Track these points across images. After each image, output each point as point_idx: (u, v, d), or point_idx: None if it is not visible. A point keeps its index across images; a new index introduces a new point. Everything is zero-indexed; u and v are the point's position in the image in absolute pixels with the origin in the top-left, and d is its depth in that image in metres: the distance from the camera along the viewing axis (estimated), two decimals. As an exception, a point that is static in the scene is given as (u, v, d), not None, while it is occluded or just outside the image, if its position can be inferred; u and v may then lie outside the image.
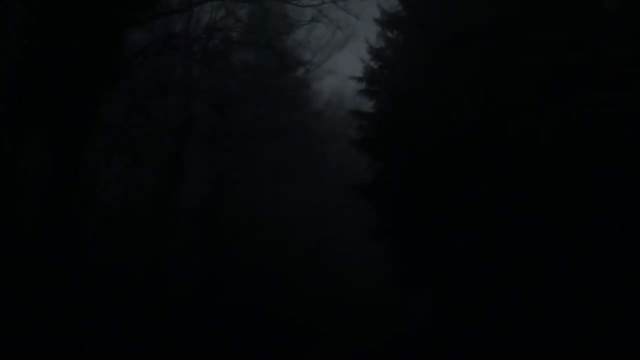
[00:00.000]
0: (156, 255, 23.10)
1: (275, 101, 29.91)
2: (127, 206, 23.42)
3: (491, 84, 13.24)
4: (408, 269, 18.89)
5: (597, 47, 11.93)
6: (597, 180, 11.39)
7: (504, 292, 12.93)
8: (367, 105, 24.34)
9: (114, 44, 15.71)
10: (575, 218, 11.88)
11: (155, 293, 20.05)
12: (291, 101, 31.67)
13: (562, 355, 11.65)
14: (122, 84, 17.01)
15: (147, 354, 15.30)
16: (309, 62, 30.18)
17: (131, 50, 17.30)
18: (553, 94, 12.11)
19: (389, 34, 22.90)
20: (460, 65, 13.99)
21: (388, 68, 22.62)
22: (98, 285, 16.71)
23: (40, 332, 13.45)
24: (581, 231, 11.88)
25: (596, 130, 11.51)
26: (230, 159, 28.52)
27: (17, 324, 13.46)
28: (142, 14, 16.68)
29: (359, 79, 23.91)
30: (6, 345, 13.08)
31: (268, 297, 23.55)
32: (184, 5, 20.05)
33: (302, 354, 19.96)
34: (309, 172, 34.69)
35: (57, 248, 14.66)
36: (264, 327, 20.57)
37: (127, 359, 14.81)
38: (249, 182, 29.96)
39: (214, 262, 25.79)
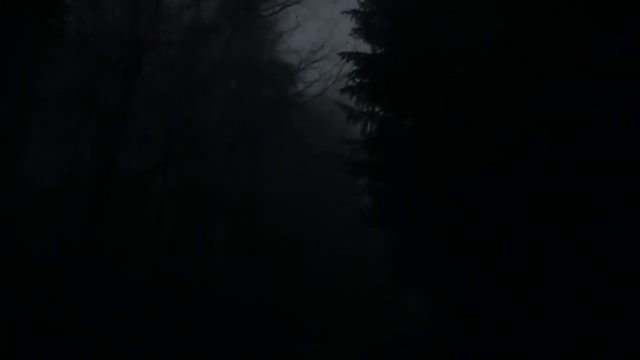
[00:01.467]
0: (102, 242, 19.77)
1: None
2: (65, 180, 19.79)
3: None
4: (408, 269, 18.82)
5: None
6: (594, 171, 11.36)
7: (501, 291, 12.95)
8: (363, 48, 20.14)
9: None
10: (576, 219, 11.88)
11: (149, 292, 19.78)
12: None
13: (561, 354, 11.68)
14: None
15: (146, 354, 15.28)
16: None
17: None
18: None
19: None
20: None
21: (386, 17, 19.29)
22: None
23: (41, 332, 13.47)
24: (581, 231, 11.89)
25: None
26: (188, 114, 23.76)
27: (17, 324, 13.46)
28: None
29: (354, 13, 19.99)
30: (6, 345, 13.07)
31: (267, 297, 23.52)
32: None
33: (302, 354, 19.97)
34: (286, 142, 30.15)
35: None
36: (264, 327, 20.58)
37: (127, 359, 14.80)
38: (210, 150, 24.84)
39: (183, 252, 23.00)
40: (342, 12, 20.02)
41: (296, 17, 27.76)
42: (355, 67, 19.27)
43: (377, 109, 19.32)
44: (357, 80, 18.98)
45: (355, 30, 19.94)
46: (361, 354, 20.21)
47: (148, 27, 21.39)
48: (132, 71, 20.51)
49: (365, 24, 19.72)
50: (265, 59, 29.58)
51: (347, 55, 19.52)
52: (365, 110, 19.57)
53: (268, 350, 18.85)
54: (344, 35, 20.66)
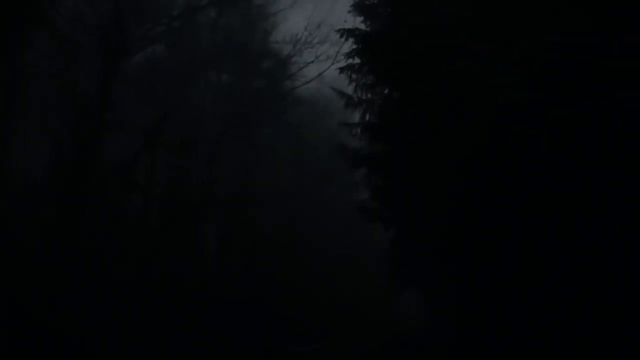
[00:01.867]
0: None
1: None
2: (49, 172, 18.51)
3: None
4: (407, 269, 18.78)
5: None
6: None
7: (501, 291, 12.94)
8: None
9: None
10: (576, 219, 11.87)
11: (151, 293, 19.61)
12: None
13: (561, 354, 11.67)
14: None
15: (143, 354, 15.23)
16: None
17: None
18: None
19: None
20: None
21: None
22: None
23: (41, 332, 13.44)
24: (581, 231, 11.88)
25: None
26: (176, 101, 22.18)
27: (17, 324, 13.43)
28: None
29: None
30: (6, 345, 13.03)
31: (266, 297, 23.46)
32: None
33: (302, 355, 19.96)
34: (282, 134, 29.19)
35: None
36: (263, 327, 20.55)
37: (127, 358, 14.77)
38: (201, 141, 23.59)
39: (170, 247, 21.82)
40: None
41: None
42: (354, 46, 18.39)
43: (376, 97, 18.61)
44: (357, 59, 18.16)
45: (354, 7, 18.87)
46: (361, 354, 20.22)
47: (131, 4, 19.96)
48: (114, 52, 19.08)
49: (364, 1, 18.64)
50: (259, 49, 28.53)
51: (346, 32, 18.49)
52: (364, 97, 18.88)
53: (268, 351, 18.83)
54: (343, 14, 19.49)
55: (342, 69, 18.73)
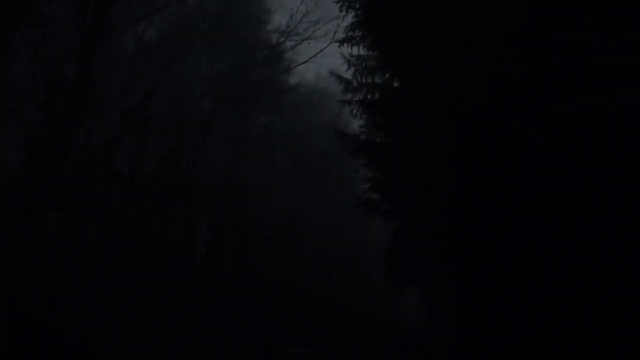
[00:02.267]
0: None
1: None
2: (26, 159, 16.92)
3: None
4: (407, 269, 18.80)
5: None
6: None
7: (501, 291, 12.94)
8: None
9: None
10: (576, 219, 11.86)
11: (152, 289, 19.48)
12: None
13: (561, 354, 11.66)
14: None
15: (147, 354, 15.20)
16: None
17: None
18: None
19: None
20: None
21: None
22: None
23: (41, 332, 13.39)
24: (581, 231, 11.87)
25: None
26: (162, 79, 21.02)
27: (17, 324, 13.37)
28: None
29: None
30: (6, 345, 12.98)
31: (267, 297, 23.46)
32: None
33: (302, 355, 19.95)
34: (279, 126, 28.32)
35: None
36: (263, 327, 20.54)
37: (127, 358, 14.73)
38: (189, 120, 22.07)
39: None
40: None
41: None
42: (354, 20, 17.84)
43: (377, 80, 18.07)
44: (358, 32, 17.65)
45: None
46: (361, 355, 20.21)
47: None
48: (95, 29, 17.63)
49: None
50: (253, 28, 27.93)
51: (346, 4, 17.81)
52: (364, 82, 18.41)
53: (267, 351, 18.82)
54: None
55: (342, 42, 18.22)
